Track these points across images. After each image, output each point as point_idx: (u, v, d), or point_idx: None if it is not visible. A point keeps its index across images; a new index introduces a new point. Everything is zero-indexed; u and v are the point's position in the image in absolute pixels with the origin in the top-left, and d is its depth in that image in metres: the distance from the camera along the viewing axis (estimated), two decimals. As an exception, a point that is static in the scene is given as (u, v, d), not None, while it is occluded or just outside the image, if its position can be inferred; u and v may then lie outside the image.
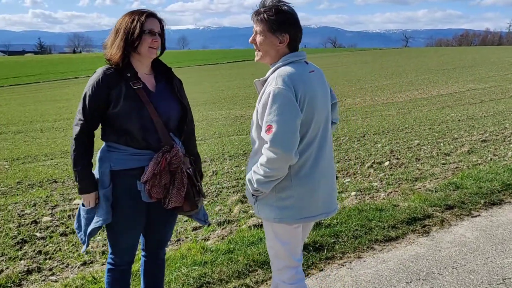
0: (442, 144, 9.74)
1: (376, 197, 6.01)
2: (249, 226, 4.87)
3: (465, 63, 43.80)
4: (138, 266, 3.69)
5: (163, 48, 2.93)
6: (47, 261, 4.52)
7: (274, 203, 2.69)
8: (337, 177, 7.34)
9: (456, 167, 7.62)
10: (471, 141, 9.95)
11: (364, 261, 4.18)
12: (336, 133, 11.92)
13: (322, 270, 4.03)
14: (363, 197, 6.06)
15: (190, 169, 2.92)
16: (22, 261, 4.48)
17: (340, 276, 3.92)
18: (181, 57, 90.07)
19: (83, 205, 2.87)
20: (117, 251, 2.96)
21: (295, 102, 2.49)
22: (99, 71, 2.78)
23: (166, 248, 3.26)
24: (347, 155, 9.02)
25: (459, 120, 13.31)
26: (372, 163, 8.19)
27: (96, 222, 2.82)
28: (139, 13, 2.80)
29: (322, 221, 4.78)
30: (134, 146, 2.77)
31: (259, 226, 4.82)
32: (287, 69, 2.57)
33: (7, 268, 4.37)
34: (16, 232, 5.35)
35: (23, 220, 5.77)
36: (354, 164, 8.22)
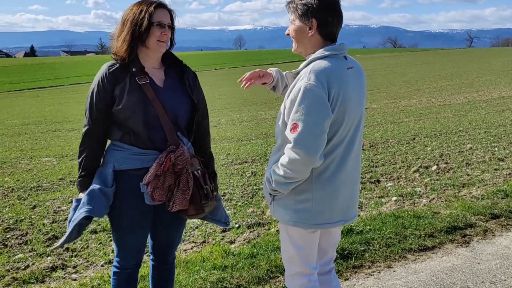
0: (496, 149, 9.25)
1: (417, 203, 5.73)
2: (277, 230, 4.72)
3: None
4: (148, 270, 3.62)
5: (172, 41, 2.79)
6: (73, 258, 4.54)
7: (291, 205, 2.54)
8: (378, 181, 7.17)
9: (509, 174, 7.19)
10: (530, 145, 9.41)
11: (394, 271, 3.96)
12: (385, 135, 11.58)
13: (347, 279, 3.84)
14: (403, 202, 5.79)
15: (199, 171, 2.76)
16: (49, 258, 4.51)
17: (366, 286, 3.71)
18: (237, 57, 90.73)
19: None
20: (123, 254, 2.86)
21: (326, 101, 2.30)
22: (104, 67, 2.67)
23: (175, 252, 3.14)
24: (393, 158, 8.70)
25: (520, 123, 12.65)
26: (419, 167, 7.85)
27: (84, 210, 2.60)
28: (147, 3, 2.66)
29: (354, 227, 4.58)
30: (139, 146, 2.66)
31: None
32: (323, 63, 2.37)
33: (33, 264, 4.41)
34: (49, 228, 5.42)
35: (58, 217, 5.86)
36: (399, 168, 7.90)
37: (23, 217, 5.83)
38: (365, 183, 6.97)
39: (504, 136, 10.65)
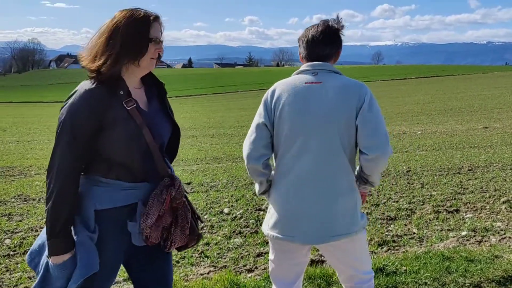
0: None
1: (485, 241, 4.75)
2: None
3: None
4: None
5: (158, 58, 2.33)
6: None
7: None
8: (457, 211, 6.14)
9: None
10: None
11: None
12: (492, 159, 10.17)
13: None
14: (468, 240, 4.83)
15: (186, 196, 2.37)
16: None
17: None
18: (372, 72, 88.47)
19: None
20: None
21: (264, 107, 2.52)
22: (84, 91, 2.11)
23: None
24: (486, 186, 7.50)
25: None
26: (511, 197, 6.65)
27: (81, 273, 2.06)
28: (143, 14, 2.19)
29: (386, 267, 3.83)
30: (126, 179, 2.17)
31: (318, 262, 4.05)
32: (286, 78, 2.56)
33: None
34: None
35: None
36: (489, 197, 6.75)
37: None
38: (441, 212, 6.02)
39: None
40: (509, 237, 4.79)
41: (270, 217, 2.55)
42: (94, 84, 2.13)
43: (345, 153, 2.42)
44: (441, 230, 5.27)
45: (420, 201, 6.56)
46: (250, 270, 4.15)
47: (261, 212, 6.03)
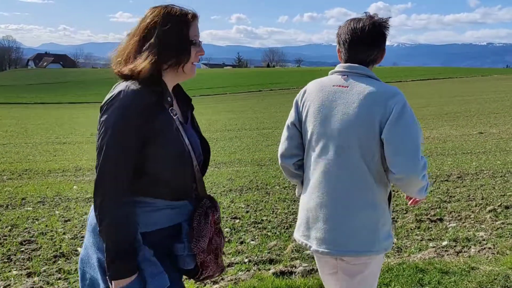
0: None
1: (464, 252, 4.81)
2: (274, 273, 4.16)
3: None
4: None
5: None
6: (59, 281, 4.33)
7: None
8: (441, 220, 6.21)
9: None
10: None
11: None
12: (483, 165, 10.28)
13: None
14: (447, 250, 4.89)
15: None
16: (36, 278, 4.35)
17: None
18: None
19: None
20: None
21: (294, 106, 2.56)
22: (132, 93, 1.91)
23: None
24: (474, 194, 7.58)
25: None
26: (498, 206, 6.73)
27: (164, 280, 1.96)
28: (180, 13, 2.03)
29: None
30: (168, 198, 2.03)
31: (286, 273, 4.09)
32: (320, 78, 2.54)
33: (14, 284, 4.24)
34: (64, 244, 5.28)
35: (84, 231, 5.75)
36: (475, 206, 6.83)
37: (50, 230, 5.81)
38: (424, 221, 6.08)
39: None
40: (489, 248, 4.87)
41: (298, 220, 2.62)
42: (140, 85, 1.95)
43: (366, 164, 2.33)
44: (421, 240, 5.33)
45: (403, 209, 6.62)
46: (215, 282, 4.18)
47: (237, 221, 6.07)
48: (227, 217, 6.22)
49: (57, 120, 28.93)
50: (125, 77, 2.00)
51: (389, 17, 2.45)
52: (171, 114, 2.00)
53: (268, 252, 4.94)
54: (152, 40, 1.97)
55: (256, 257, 4.77)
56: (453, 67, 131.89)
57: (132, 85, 1.94)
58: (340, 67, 2.44)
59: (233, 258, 4.75)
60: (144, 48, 1.98)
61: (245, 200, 7.21)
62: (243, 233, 5.63)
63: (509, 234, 5.46)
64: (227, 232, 5.61)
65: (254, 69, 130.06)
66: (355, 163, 2.32)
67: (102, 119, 1.91)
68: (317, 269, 4.35)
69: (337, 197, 2.35)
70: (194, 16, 2.05)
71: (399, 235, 5.49)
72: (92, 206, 1.99)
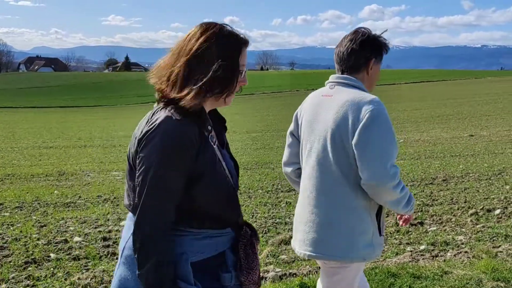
0: None
1: (441, 256, 4.80)
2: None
3: None
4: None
5: None
6: (28, 288, 4.30)
7: None
8: (421, 223, 6.19)
9: None
10: None
11: None
12: (469, 168, 10.30)
13: None
14: (423, 254, 4.88)
15: None
16: (4, 285, 4.30)
17: None
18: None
19: None
20: None
21: (295, 114, 2.70)
22: (177, 126, 1.76)
23: None
24: (457, 197, 7.58)
25: None
26: (480, 209, 6.74)
27: None
28: (235, 38, 1.89)
29: None
30: (213, 227, 1.92)
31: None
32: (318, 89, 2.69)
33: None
34: (36, 250, 5.23)
35: (59, 237, 5.71)
36: (457, 209, 6.83)
37: (24, 236, 5.75)
38: (404, 224, 6.06)
39: None
40: (466, 252, 4.86)
41: None
42: (182, 115, 1.79)
43: (341, 171, 2.39)
44: (399, 244, 5.32)
45: (384, 213, 6.60)
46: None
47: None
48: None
49: (46, 124, 28.83)
50: (167, 101, 1.84)
51: (375, 33, 2.59)
52: (211, 143, 1.89)
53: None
54: (204, 66, 1.80)
55: (230, 263, 4.74)
56: (447, 69, 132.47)
57: (174, 114, 1.78)
58: (330, 78, 2.59)
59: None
60: (195, 74, 1.81)
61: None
62: (220, 238, 5.59)
63: (488, 237, 5.46)
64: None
65: (247, 72, 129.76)
66: (333, 170, 2.40)
67: (141, 154, 1.76)
68: (289, 274, 4.34)
69: (317, 202, 2.46)
70: (247, 43, 1.91)
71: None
72: (126, 241, 1.90)
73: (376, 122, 2.30)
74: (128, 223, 1.95)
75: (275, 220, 6.31)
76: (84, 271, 4.68)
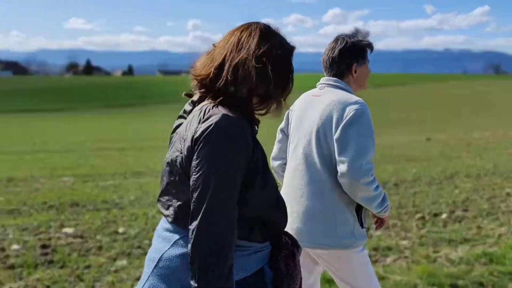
0: (539, 196, 7.96)
1: (379, 261, 4.83)
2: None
3: None
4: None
5: None
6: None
7: None
8: (367, 229, 6.22)
9: (530, 229, 6.06)
10: None
11: None
12: (421, 172, 10.47)
13: None
14: (365, 260, 4.91)
15: None
16: None
17: None
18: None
19: None
20: None
21: (287, 112, 2.82)
22: (235, 124, 1.69)
23: None
24: (406, 202, 7.67)
25: None
26: (427, 214, 6.83)
27: None
28: (289, 43, 1.89)
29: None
30: (259, 239, 1.81)
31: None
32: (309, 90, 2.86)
33: None
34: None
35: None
36: (405, 214, 6.91)
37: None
38: (351, 230, 6.09)
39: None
40: (406, 257, 4.90)
41: None
42: (237, 113, 1.72)
43: (325, 165, 2.57)
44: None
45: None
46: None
47: (159, 233, 5.95)
48: (149, 228, 6.10)
49: (3, 129, 28.18)
50: (221, 99, 1.75)
51: (354, 38, 2.71)
52: (259, 144, 1.80)
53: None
54: (267, 69, 1.75)
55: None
56: (410, 73, 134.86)
57: (229, 112, 1.71)
58: (321, 80, 2.76)
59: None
60: (253, 77, 1.73)
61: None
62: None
63: (431, 242, 5.53)
64: (147, 244, 5.50)
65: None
66: (316, 163, 2.59)
67: (201, 154, 1.66)
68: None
69: (302, 193, 2.62)
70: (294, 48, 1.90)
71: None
72: (163, 252, 1.78)
73: (358, 121, 2.48)
74: (164, 234, 1.82)
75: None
76: (17, 280, 4.55)
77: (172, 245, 1.74)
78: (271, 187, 1.80)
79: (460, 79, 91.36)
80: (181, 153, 1.71)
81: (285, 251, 1.85)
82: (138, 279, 4.50)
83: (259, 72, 1.72)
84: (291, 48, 1.87)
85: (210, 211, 1.62)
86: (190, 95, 1.92)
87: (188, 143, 1.69)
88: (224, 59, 1.75)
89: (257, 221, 1.78)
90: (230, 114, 1.69)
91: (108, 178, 10.78)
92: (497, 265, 4.54)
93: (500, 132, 20.58)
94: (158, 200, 1.87)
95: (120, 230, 6.07)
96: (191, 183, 1.66)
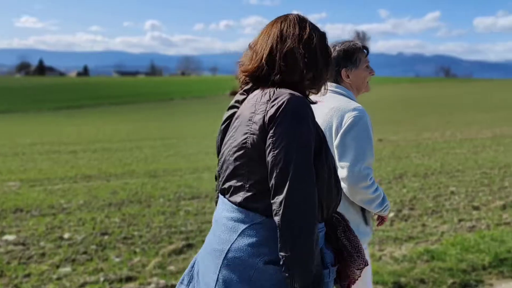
0: (481, 194, 8.22)
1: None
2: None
3: None
4: None
5: None
6: None
7: None
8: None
9: (473, 226, 6.24)
10: (521, 192, 8.31)
11: None
12: (375, 173, 10.64)
13: None
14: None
15: None
16: None
17: None
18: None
19: None
20: None
21: None
22: (303, 101, 1.83)
23: None
24: (355, 201, 7.78)
25: (528, 165, 11.44)
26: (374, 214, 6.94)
27: None
28: (317, 27, 2.05)
29: None
30: (318, 220, 1.86)
31: None
32: None
33: None
34: None
35: None
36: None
37: None
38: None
39: (499, 180, 9.55)
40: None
41: None
42: (303, 95, 1.88)
43: None
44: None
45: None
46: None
47: (106, 237, 5.85)
48: (96, 233, 5.97)
49: None
50: (278, 85, 1.87)
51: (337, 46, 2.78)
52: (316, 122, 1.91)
53: (129, 269, 4.77)
54: (315, 54, 1.91)
55: (113, 275, 4.59)
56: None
57: (294, 92, 1.84)
58: None
59: (88, 278, 4.54)
60: (306, 62, 1.88)
61: (122, 214, 6.98)
62: (110, 249, 5.42)
63: (377, 241, 5.62)
64: (92, 250, 5.38)
65: (167, 77, 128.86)
66: None
67: (278, 130, 1.76)
68: (172, 286, 4.26)
69: None
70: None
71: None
72: (232, 243, 1.82)
73: (355, 128, 2.54)
74: (228, 224, 1.85)
75: (171, 229, 6.20)
76: None
77: (239, 235, 1.79)
78: (331, 163, 1.86)
79: (412, 82, 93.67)
80: (252, 134, 1.80)
81: (340, 227, 1.96)
82: (82, 286, 4.41)
83: (307, 57, 1.87)
84: (324, 33, 2.00)
85: (296, 181, 1.70)
86: (235, 93, 2.04)
87: (259, 123, 1.79)
88: (271, 50, 1.88)
89: (322, 199, 1.83)
90: (295, 93, 1.82)
91: (57, 182, 10.50)
92: (438, 261, 4.65)
93: (448, 133, 21.14)
94: (221, 189, 1.92)
95: (66, 235, 5.92)
96: (269, 159, 1.74)
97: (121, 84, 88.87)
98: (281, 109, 1.77)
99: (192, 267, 2.03)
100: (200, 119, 38.38)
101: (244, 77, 1.97)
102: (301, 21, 1.95)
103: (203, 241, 5.62)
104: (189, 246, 5.53)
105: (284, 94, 1.80)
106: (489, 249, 4.86)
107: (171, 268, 4.84)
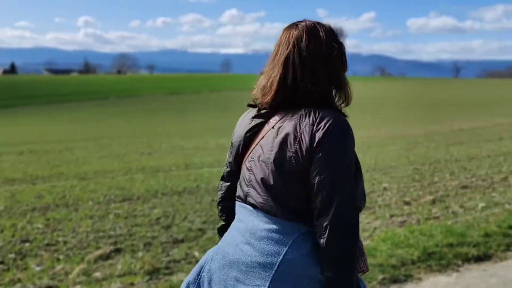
0: (412, 189, 8.42)
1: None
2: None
3: (507, 96, 41.66)
4: None
5: None
6: None
7: None
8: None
9: (404, 221, 6.37)
10: (449, 187, 8.57)
11: None
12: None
13: None
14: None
15: None
16: None
17: None
18: (220, 81, 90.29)
19: None
20: None
21: None
22: (343, 117, 1.88)
23: None
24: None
25: (456, 160, 11.86)
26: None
27: None
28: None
29: None
30: None
31: None
32: None
33: None
34: None
35: None
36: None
37: None
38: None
39: (429, 175, 9.84)
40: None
41: None
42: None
43: None
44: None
45: (217, 220, 6.57)
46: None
47: (27, 244, 5.55)
48: (16, 241, 5.66)
49: None
50: (311, 100, 1.86)
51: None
52: None
53: (50, 278, 4.53)
54: (330, 57, 1.89)
55: (32, 286, 4.34)
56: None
57: (336, 112, 1.86)
58: None
59: (4, 289, 4.28)
60: (329, 73, 1.88)
61: (46, 220, 6.66)
62: (30, 258, 5.14)
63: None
64: (10, 258, 5.08)
65: (102, 75, 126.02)
66: None
67: (324, 155, 1.76)
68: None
69: None
70: None
71: (204, 248, 5.39)
72: (282, 255, 1.82)
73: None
74: (272, 236, 1.84)
75: (98, 234, 5.96)
76: None
77: (290, 246, 1.81)
78: (362, 184, 1.92)
79: (350, 80, 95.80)
80: (296, 154, 1.80)
81: None
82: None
83: (331, 64, 1.87)
84: (338, 37, 1.97)
85: (341, 207, 1.73)
86: (254, 106, 2.00)
87: (306, 145, 1.78)
88: (294, 64, 1.86)
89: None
90: (338, 115, 1.84)
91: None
92: (368, 257, 4.68)
93: (383, 131, 21.70)
94: (261, 203, 1.88)
95: (-19, 244, 5.58)
96: (315, 181, 1.76)
97: (53, 83, 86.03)
98: (328, 133, 1.78)
99: (198, 274, 1.98)
100: (135, 118, 37.73)
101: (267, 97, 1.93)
102: (316, 30, 1.92)
103: (132, 245, 5.53)
104: (117, 250, 5.33)
105: (329, 116, 1.82)
106: (418, 244, 4.94)
107: (97, 274, 4.63)
